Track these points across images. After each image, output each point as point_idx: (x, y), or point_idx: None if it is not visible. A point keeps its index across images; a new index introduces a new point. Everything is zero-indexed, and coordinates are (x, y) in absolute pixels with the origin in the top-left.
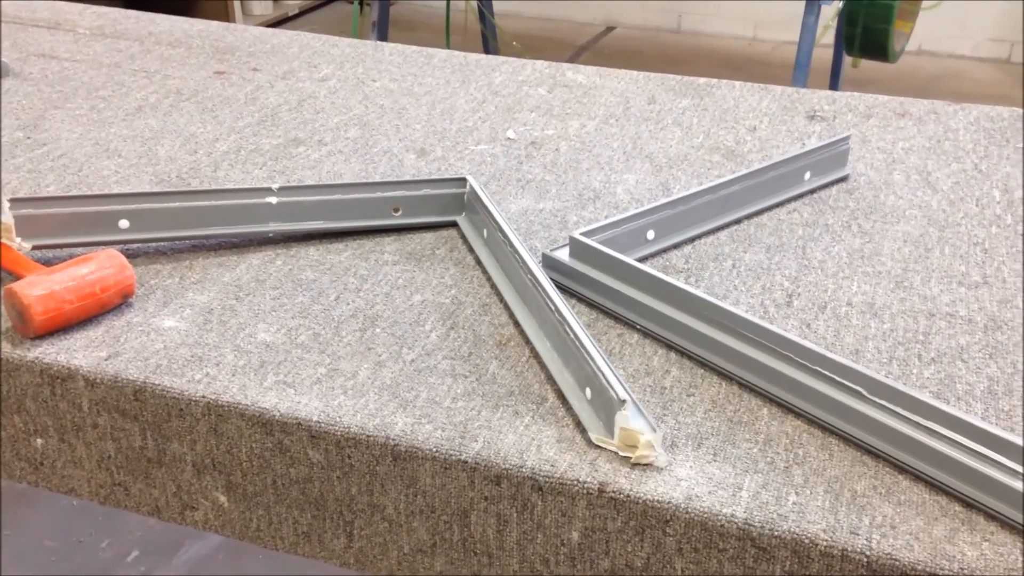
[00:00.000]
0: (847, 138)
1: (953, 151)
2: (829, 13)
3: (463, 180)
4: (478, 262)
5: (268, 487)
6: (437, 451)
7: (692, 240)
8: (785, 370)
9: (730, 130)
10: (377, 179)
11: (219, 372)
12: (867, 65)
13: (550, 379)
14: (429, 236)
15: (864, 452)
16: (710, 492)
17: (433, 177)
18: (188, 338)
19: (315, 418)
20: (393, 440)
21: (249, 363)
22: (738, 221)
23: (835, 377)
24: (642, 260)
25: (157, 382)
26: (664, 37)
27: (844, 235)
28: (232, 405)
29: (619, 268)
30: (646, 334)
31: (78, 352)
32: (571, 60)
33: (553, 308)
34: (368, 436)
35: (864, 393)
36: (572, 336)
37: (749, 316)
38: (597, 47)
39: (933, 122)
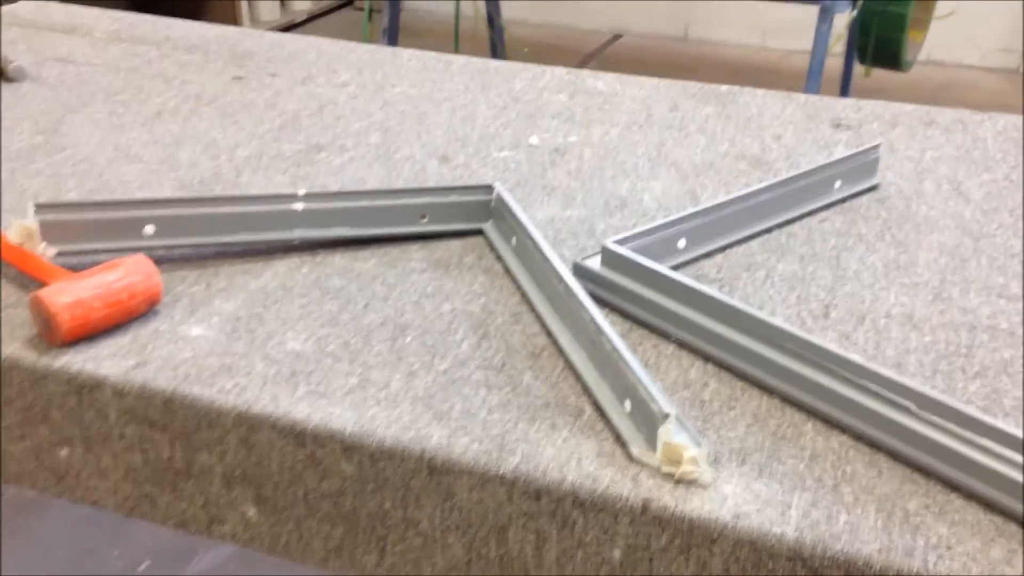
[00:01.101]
0: (877, 147)
1: (983, 160)
2: (842, 22)
3: (490, 187)
4: (507, 270)
5: (299, 500)
6: (475, 465)
7: (723, 249)
8: (830, 384)
9: (755, 138)
10: (402, 186)
11: (249, 382)
12: (877, 74)
13: (586, 391)
14: (456, 244)
15: (914, 469)
16: (758, 510)
17: (459, 184)
18: (217, 347)
19: (349, 429)
20: (429, 453)
21: (280, 372)
22: (769, 230)
23: (883, 392)
24: (674, 269)
25: (186, 392)
26: (671, 45)
27: (878, 245)
28: (264, 416)
29: (653, 278)
30: (682, 345)
31: (105, 361)
32: (579, 67)
33: (588, 318)
34: (403, 448)
35: (913, 408)
36: (610, 347)
37: (791, 328)
38: (604, 55)
39: (960, 131)
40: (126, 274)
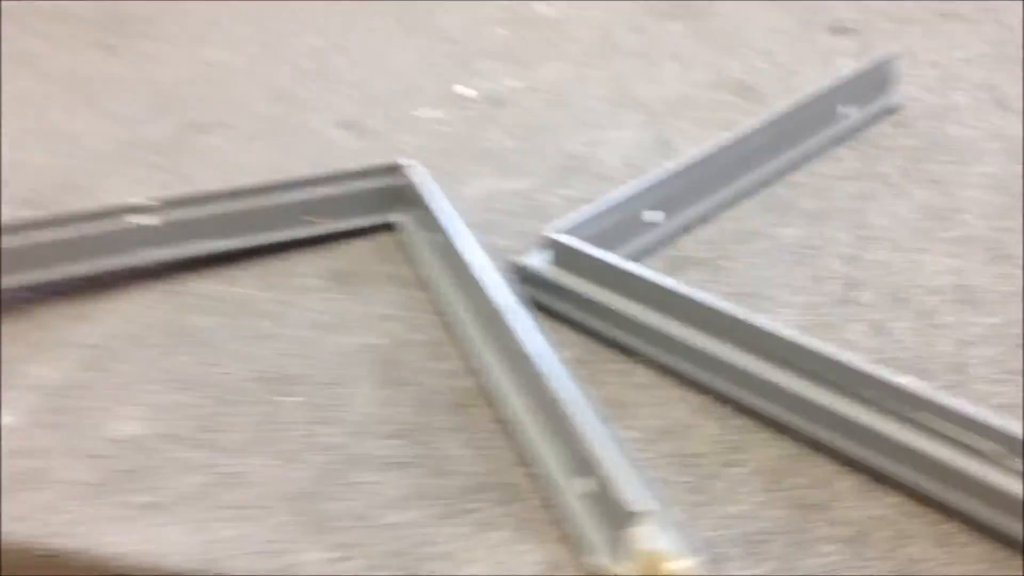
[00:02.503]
0: (892, 56)
1: (1020, 56)
2: None
3: (397, 167)
4: (425, 279)
5: None
6: None
7: (709, 216)
8: (872, 422)
9: (738, 58)
10: (299, 169)
11: (50, 495)
12: None
13: (528, 459)
14: (361, 245)
15: (1006, 544)
16: None
17: (358, 168)
18: (17, 441)
19: (185, 565)
20: None
21: (94, 476)
22: (766, 183)
23: (951, 432)
24: (646, 253)
25: None
26: None
27: (907, 187)
28: (55, 552)
29: (616, 277)
30: (663, 369)
31: None
32: None
33: (530, 353)
34: None
35: (1002, 454)
36: (557, 398)
37: (810, 342)
38: None
39: (989, 22)
40: None
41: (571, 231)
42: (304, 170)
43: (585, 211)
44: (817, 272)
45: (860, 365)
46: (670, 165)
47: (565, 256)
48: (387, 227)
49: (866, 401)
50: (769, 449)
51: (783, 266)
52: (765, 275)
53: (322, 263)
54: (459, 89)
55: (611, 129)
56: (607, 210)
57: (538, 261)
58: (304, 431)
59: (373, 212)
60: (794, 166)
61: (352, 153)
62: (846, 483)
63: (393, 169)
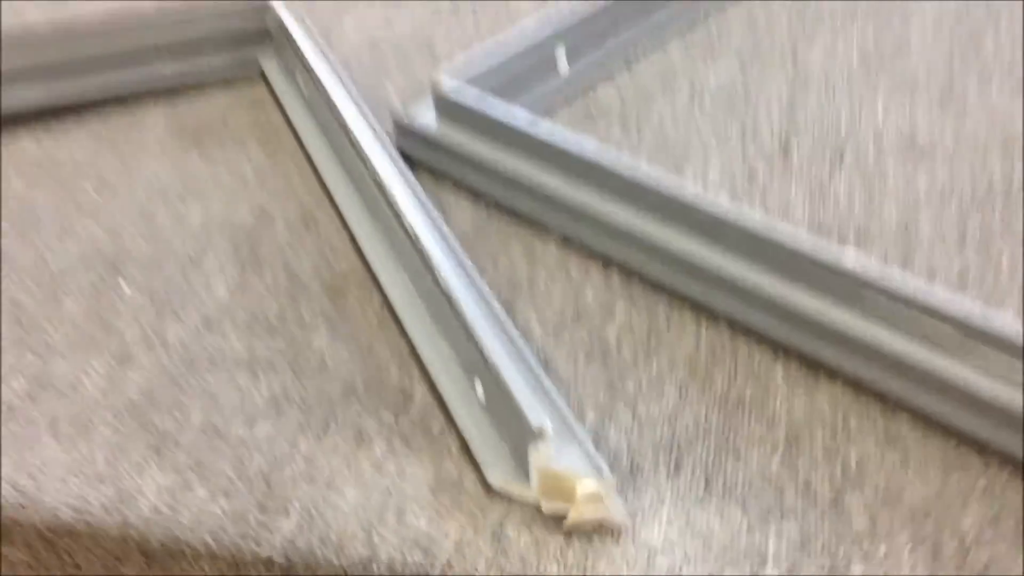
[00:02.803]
0: None
1: None
2: None
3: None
4: (296, 136)
5: None
6: (217, 540)
7: (625, 58)
8: (809, 303)
9: None
10: (125, 11)
11: None
12: None
13: (416, 358)
14: (221, 97)
15: (961, 440)
16: (711, 564)
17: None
18: None
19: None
20: (135, 526)
21: None
22: (690, 18)
23: (898, 315)
24: (552, 104)
25: None
26: None
27: (848, 25)
28: None
29: (513, 135)
30: (569, 242)
31: None
32: None
33: (412, 233)
34: (96, 520)
35: (956, 340)
36: (444, 289)
37: (736, 214)
38: None
39: None
40: None
41: (464, 77)
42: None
43: (479, 52)
44: (749, 125)
45: (794, 240)
46: None
47: (453, 109)
48: (253, 76)
49: (803, 280)
50: (693, 337)
51: (709, 118)
52: (690, 130)
53: (172, 117)
54: None
55: None
56: (506, 51)
57: (424, 115)
58: (142, 326)
59: (234, 56)
60: None
61: None
62: (780, 374)
63: (257, 3)
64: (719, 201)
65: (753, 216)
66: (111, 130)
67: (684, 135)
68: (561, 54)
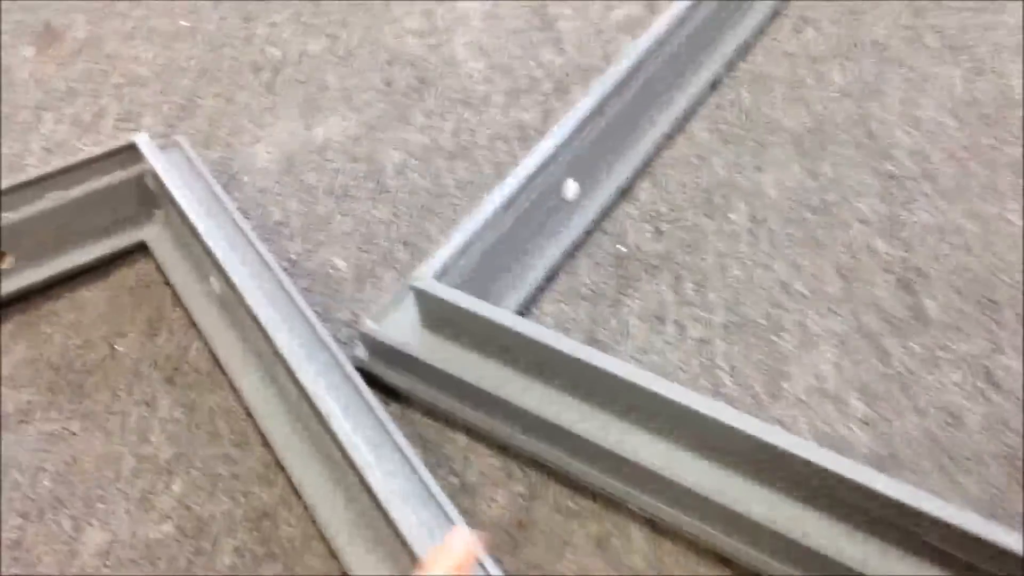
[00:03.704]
0: None
1: None
2: None
3: (133, 149)
4: (202, 339)
5: None
6: None
7: (645, 170)
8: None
9: None
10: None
11: None
12: None
13: None
14: (92, 295)
15: None
16: None
17: (75, 159)
18: None
19: None
20: None
21: None
22: (715, 84)
23: None
24: (572, 253)
25: None
26: None
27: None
28: None
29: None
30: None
31: None
32: None
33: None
34: None
35: None
36: None
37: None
38: None
39: None
40: None
41: (446, 273)
42: None
43: (466, 227)
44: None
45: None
46: (588, 98)
47: (438, 310)
48: (134, 250)
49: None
50: None
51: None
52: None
53: (31, 342)
54: None
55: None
56: (493, 215)
57: (394, 325)
58: None
59: (109, 230)
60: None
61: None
62: None
63: (129, 152)
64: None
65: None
66: None
67: (750, 292)
68: (569, 186)
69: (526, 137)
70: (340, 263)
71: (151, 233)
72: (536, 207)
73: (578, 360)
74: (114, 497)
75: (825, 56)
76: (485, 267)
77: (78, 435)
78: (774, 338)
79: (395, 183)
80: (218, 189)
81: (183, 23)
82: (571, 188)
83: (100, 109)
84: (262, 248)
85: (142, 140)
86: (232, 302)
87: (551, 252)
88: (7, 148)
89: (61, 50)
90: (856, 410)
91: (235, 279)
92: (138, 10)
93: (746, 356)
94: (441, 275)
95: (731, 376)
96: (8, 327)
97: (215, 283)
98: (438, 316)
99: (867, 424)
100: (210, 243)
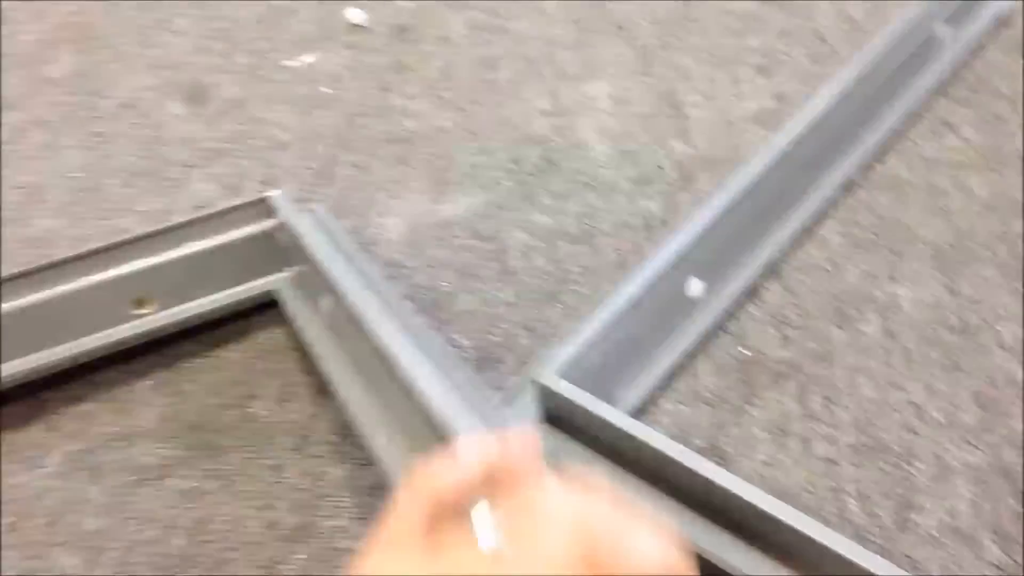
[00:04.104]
0: None
1: None
2: None
3: (263, 204)
4: (338, 405)
5: None
6: None
7: (773, 271)
8: None
9: None
10: (96, 243)
11: None
12: None
13: None
14: (229, 356)
15: None
16: None
17: (212, 210)
18: None
19: None
20: None
21: None
22: (848, 187)
23: None
24: (689, 355)
25: None
26: None
27: None
28: None
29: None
30: None
31: None
32: None
33: None
34: None
35: None
36: None
37: None
38: None
39: None
40: None
41: (569, 370)
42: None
43: (578, 334)
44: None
45: None
46: (714, 198)
47: (558, 410)
48: (265, 306)
49: None
50: None
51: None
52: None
53: (168, 397)
54: (349, 14)
55: (585, 80)
56: (604, 326)
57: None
58: None
59: (239, 280)
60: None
61: (196, 152)
62: None
63: (259, 206)
64: None
65: None
66: (77, 428)
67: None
68: (692, 285)
69: (650, 226)
70: (464, 342)
71: (280, 285)
72: (659, 304)
73: (702, 477)
74: (240, 561)
75: (966, 164)
76: (606, 365)
77: (211, 494)
78: (906, 466)
79: (519, 264)
80: (359, 256)
81: (323, 89)
82: (695, 286)
83: (243, 171)
84: (406, 312)
85: (276, 195)
86: (374, 365)
87: (671, 351)
88: (157, 204)
89: (208, 109)
90: (990, 552)
91: (387, 342)
92: (281, 74)
93: (876, 483)
94: (563, 372)
95: (858, 502)
96: (150, 383)
97: (361, 344)
98: (555, 412)
99: (1001, 570)
100: (357, 303)
